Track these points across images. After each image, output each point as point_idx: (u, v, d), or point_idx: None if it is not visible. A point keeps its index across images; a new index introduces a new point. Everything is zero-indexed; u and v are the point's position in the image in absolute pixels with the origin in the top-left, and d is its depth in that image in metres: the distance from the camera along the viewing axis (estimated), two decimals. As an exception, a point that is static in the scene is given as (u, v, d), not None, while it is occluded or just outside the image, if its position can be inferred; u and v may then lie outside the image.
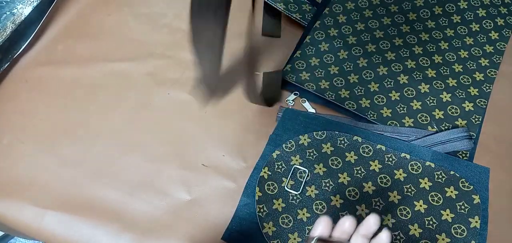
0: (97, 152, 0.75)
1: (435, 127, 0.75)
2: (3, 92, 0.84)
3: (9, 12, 0.87)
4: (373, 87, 0.80)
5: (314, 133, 0.74)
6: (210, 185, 0.71)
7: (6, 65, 0.86)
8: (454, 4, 0.91)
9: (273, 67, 0.84)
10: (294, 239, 0.65)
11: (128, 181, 0.72)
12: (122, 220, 0.68)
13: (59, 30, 0.92)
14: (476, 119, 0.76)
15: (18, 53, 0.88)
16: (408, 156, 0.71)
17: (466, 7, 0.90)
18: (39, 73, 0.86)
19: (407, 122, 0.75)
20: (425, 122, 0.75)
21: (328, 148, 0.73)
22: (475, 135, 0.74)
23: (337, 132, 0.74)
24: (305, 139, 0.73)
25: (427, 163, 0.71)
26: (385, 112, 0.77)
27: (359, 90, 0.80)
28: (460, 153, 0.72)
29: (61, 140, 0.77)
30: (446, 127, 0.74)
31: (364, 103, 0.78)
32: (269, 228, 0.66)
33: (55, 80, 0.85)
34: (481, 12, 0.89)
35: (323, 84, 0.81)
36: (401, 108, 0.77)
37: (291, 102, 0.79)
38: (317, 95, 0.79)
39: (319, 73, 0.82)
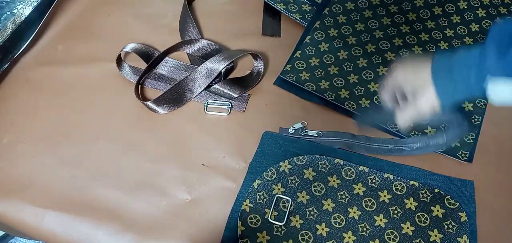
0: (97, 152, 0.75)
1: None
2: (3, 92, 0.84)
3: (9, 12, 0.87)
4: (373, 87, 0.80)
5: (295, 158, 0.72)
6: (210, 185, 0.71)
7: (7, 65, 0.86)
8: (454, 4, 0.91)
9: (273, 67, 0.85)
10: None
11: (128, 181, 0.72)
12: (122, 220, 0.68)
13: (59, 30, 0.93)
14: (476, 120, 0.76)
15: (18, 53, 0.88)
16: (391, 176, 0.70)
17: (465, 7, 0.90)
18: (39, 73, 0.86)
19: (407, 122, 0.75)
20: (425, 123, 0.75)
21: (309, 173, 0.70)
22: (474, 136, 0.74)
23: (318, 156, 0.72)
24: (286, 166, 0.71)
25: (411, 182, 0.69)
26: (385, 112, 0.77)
27: (359, 90, 0.80)
28: (460, 153, 0.72)
29: (61, 140, 0.77)
30: (445, 127, 0.74)
31: (364, 103, 0.78)
32: None
33: (55, 80, 0.85)
34: (480, 13, 0.89)
35: (323, 84, 0.81)
36: (401, 108, 0.77)
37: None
38: (317, 95, 0.80)
39: (319, 73, 0.82)
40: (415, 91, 0.61)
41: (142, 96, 0.82)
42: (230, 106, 0.79)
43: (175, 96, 0.79)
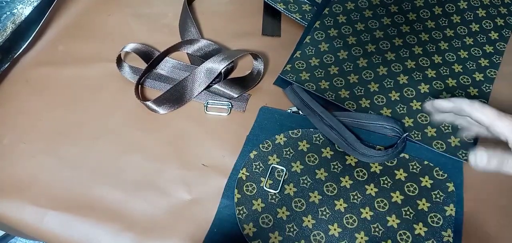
0: (97, 152, 0.75)
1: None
2: (3, 92, 0.84)
3: (9, 12, 0.87)
4: (373, 87, 0.80)
5: (290, 131, 0.74)
6: (210, 185, 0.71)
7: (6, 65, 0.86)
8: (454, 4, 0.91)
9: (273, 67, 0.85)
10: (275, 238, 0.65)
11: (128, 181, 0.72)
12: (122, 220, 0.68)
13: (60, 30, 0.93)
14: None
15: (18, 53, 0.88)
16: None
17: (466, 7, 0.90)
18: (39, 73, 0.86)
19: (407, 122, 0.76)
20: (424, 122, 0.75)
21: (304, 145, 0.73)
22: (474, 135, 0.74)
23: (312, 129, 0.75)
24: (281, 138, 0.74)
25: (402, 154, 0.72)
26: (385, 112, 0.77)
27: (359, 90, 0.80)
28: (460, 152, 0.72)
29: (61, 140, 0.77)
30: (446, 127, 0.74)
31: (364, 103, 0.78)
32: (249, 229, 0.66)
33: (56, 80, 0.85)
34: (481, 12, 0.89)
35: (323, 84, 0.81)
36: (401, 108, 0.77)
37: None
38: (317, 95, 0.80)
39: (319, 73, 0.82)
40: None
41: (142, 96, 0.82)
42: (230, 106, 0.79)
43: (175, 96, 0.80)
